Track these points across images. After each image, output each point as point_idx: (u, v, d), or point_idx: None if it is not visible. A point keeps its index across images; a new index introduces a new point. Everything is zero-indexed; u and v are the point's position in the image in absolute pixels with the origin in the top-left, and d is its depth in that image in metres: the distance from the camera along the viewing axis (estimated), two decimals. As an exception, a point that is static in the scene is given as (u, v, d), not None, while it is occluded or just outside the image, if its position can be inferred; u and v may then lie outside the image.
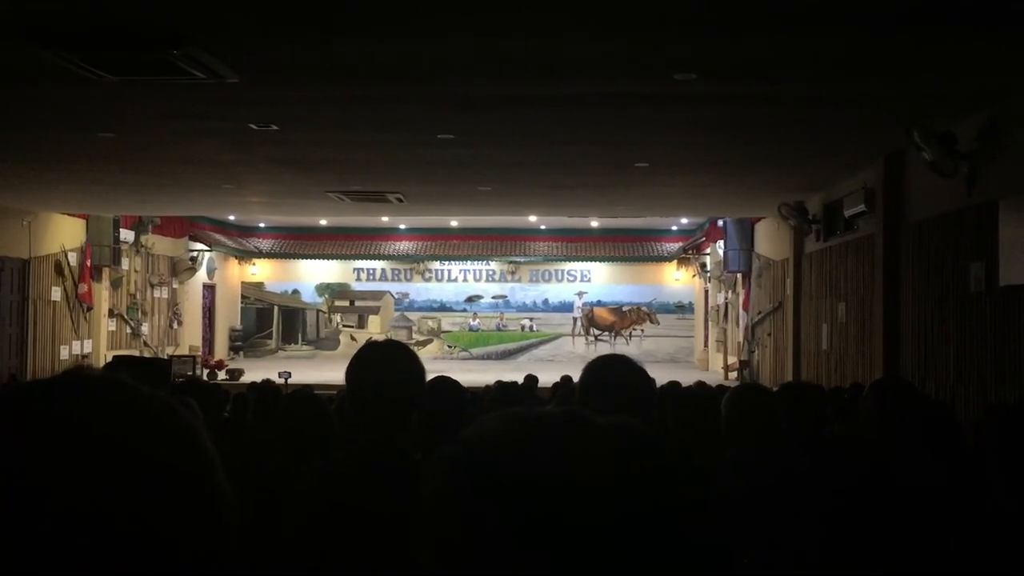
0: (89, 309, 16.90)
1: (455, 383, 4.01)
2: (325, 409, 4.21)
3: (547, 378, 11.14)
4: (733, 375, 17.64)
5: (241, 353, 22.95)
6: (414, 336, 23.67)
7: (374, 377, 2.35)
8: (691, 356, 22.71)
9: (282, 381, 12.47)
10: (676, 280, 23.50)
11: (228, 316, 23.35)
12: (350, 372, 2.37)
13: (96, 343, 17.18)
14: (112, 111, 7.93)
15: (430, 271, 24.01)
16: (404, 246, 23.68)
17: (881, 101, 7.38)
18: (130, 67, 6.14)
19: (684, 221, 21.31)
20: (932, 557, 2.14)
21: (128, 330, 18.54)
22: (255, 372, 11.95)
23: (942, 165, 7.98)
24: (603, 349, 22.50)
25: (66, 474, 0.72)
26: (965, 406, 7.96)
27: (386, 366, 2.37)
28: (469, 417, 3.60)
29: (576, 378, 2.57)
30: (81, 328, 16.77)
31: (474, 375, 14.61)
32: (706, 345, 21.85)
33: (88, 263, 16.70)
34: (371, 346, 2.48)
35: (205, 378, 16.79)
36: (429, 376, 2.66)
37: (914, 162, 9.18)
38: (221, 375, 17.61)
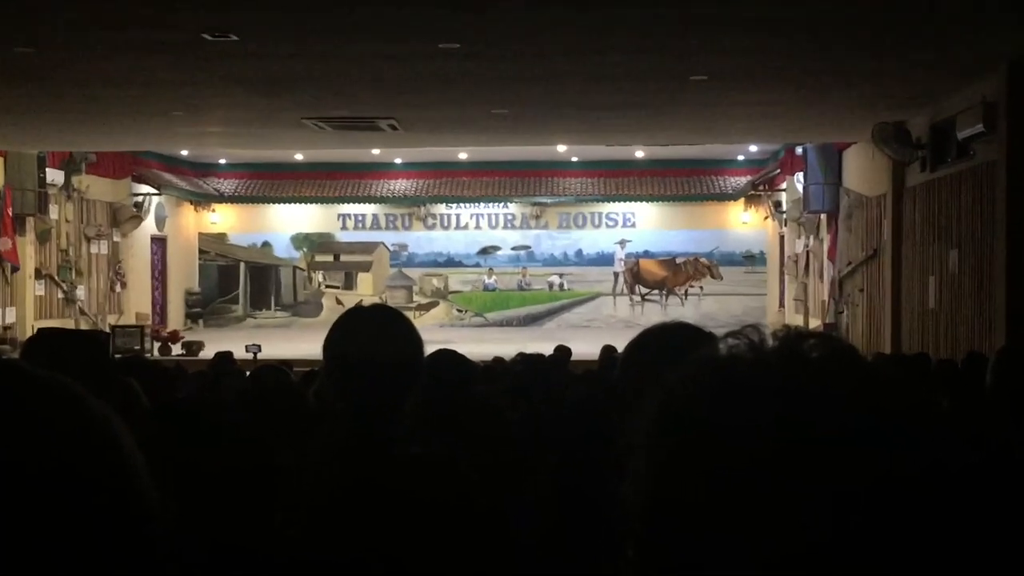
0: (15, 270, 17.00)
1: (460, 357, 4.12)
2: (299, 392, 4.30)
3: (582, 349, 11.13)
4: (816, 342, 17.67)
5: (200, 322, 23.18)
6: (415, 298, 23.91)
7: (358, 351, 2.39)
8: (763, 319, 22.01)
9: (250, 356, 12.58)
10: (743, 224, 23.50)
11: (183, 276, 23.48)
12: (329, 345, 2.43)
13: (21, 311, 17.30)
14: (30, 20, 7.90)
15: (434, 217, 24.06)
16: (400, 185, 23.62)
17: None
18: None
19: (753, 149, 21.28)
20: None
21: (60, 295, 18.69)
22: (218, 345, 12.11)
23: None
24: (652, 312, 22.72)
25: None
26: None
27: (373, 337, 2.41)
28: (480, 400, 3.72)
29: (621, 347, 2.56)
30: (3, 293, 16.88)
31: (490, 346, 14.81)
32: (782, 305, 21.92)
33: (8, 212, 16.77)
34: (354, 312, 2.54)
35: (156, 353, 16.98)
36: (429, 349, 2.70)
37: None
38: (176, 349, 17.75)
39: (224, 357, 9.77)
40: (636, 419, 0.85)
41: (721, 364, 0.83)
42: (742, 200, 23.15)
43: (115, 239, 20.59)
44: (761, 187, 21.77)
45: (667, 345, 2.32)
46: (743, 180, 22.63)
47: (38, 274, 17.93)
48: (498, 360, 9.58)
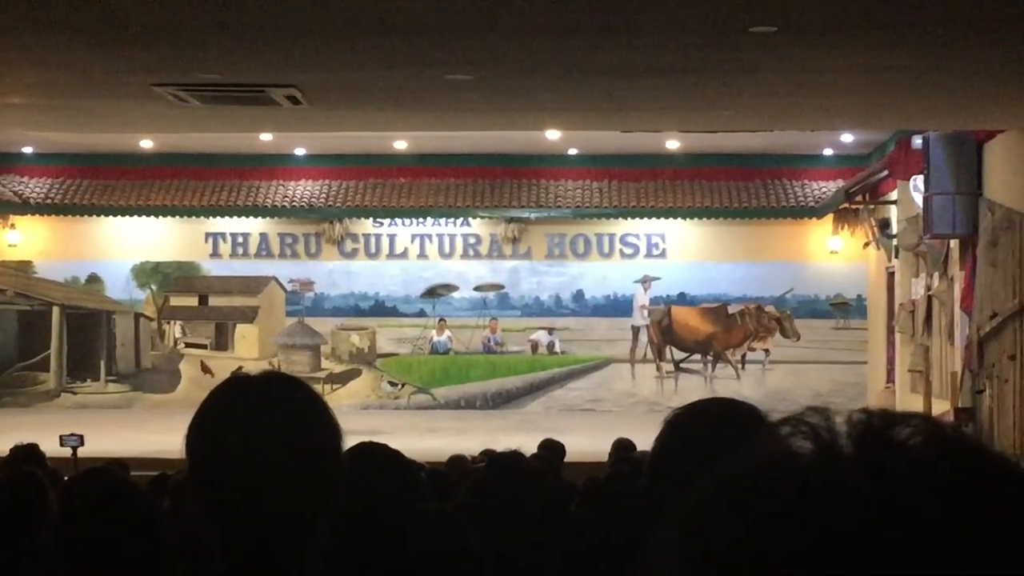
0: None
1: (394, 457, 3.84)
2: (147, 509, 3.88)
3: (584, 445, 11.16)
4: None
5: (-9, 398, 21.11)
6: (325, 364, 21.19)
7: (239, 445, 2.13)
8: (862, 399, 19.80)
9: (68, 452, 11.31)
10: (832, 254, 20.93)
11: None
12: (195, 436, 2.17)
13: None
14: None
15: (354, 238, 21.15)
16: (304, 190, 20.75)
17: None
18: None
19: (847, 140, 19.04)
20: None
21: None
22: (17, 435, 10.96)
23: None
24: (691, 388, 20.19)
25: None
26: None
27: (262, 424, 2.14)
28: (426, 520, 3.37)
29: (644, 444, 2.97)
30: None
31: (440, 440, 14.23)
32: (890, 380, 19.44)
33: None
34: (232, 386, 2.32)
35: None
36: (347, 443, 2.40)
37: None
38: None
39: (25, 454, 8.95)
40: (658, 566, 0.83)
41: (764, 472, 0.76)
42: (830, 218, 20.53)
43: None
44: (859, 198, 19.30)
45: (713, 429, 2.31)
46: (831, 187, 20.10)
47: None
48: (457, 461, 8.82)
